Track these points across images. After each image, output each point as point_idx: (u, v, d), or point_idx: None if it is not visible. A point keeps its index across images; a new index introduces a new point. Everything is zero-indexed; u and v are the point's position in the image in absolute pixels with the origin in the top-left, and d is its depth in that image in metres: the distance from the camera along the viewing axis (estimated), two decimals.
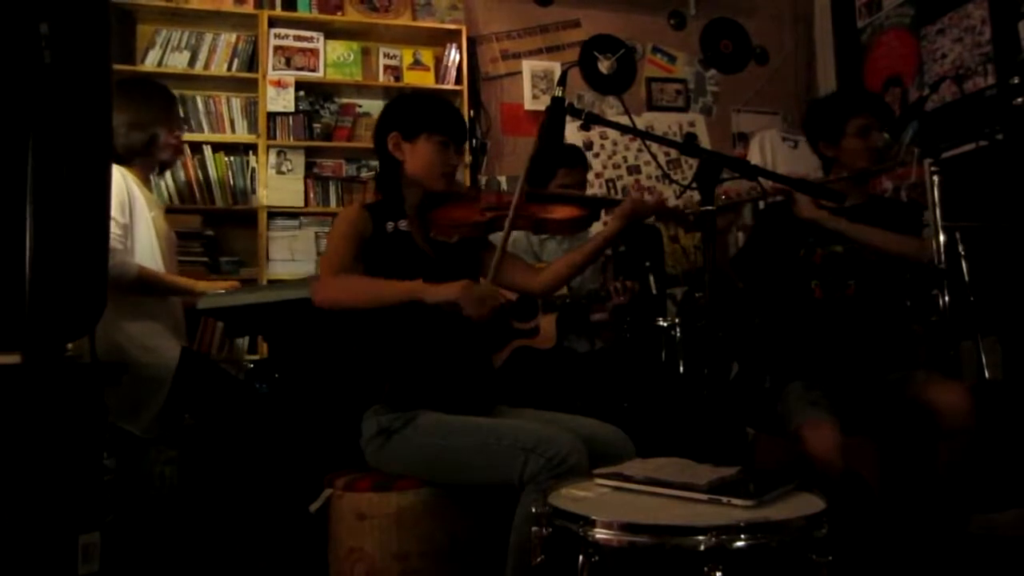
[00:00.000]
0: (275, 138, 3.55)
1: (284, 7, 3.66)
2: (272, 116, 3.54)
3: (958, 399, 1.84)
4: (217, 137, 3.52)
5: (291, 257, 3.52)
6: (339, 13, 3.72)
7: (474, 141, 3.81)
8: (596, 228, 2.72)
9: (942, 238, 2.63)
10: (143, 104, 2.33)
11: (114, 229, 2.15)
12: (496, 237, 1.92)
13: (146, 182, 2.40)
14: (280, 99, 3.54)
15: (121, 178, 2.23)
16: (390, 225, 1.79)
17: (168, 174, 3.29)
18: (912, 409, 1.91)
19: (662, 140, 1.74)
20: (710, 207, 1.48)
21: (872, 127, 2.14)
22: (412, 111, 1.85)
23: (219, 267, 3.43)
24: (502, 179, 3.96)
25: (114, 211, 2.16)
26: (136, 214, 2.26)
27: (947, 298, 2.61)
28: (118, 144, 2.28)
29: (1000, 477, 2.12)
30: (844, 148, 2.14)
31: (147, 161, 2.37)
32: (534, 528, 1.15)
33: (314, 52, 3.66)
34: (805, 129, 2.30)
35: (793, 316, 2.17)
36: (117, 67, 3.16)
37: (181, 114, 2.48)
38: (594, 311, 2.70)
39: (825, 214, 2.04)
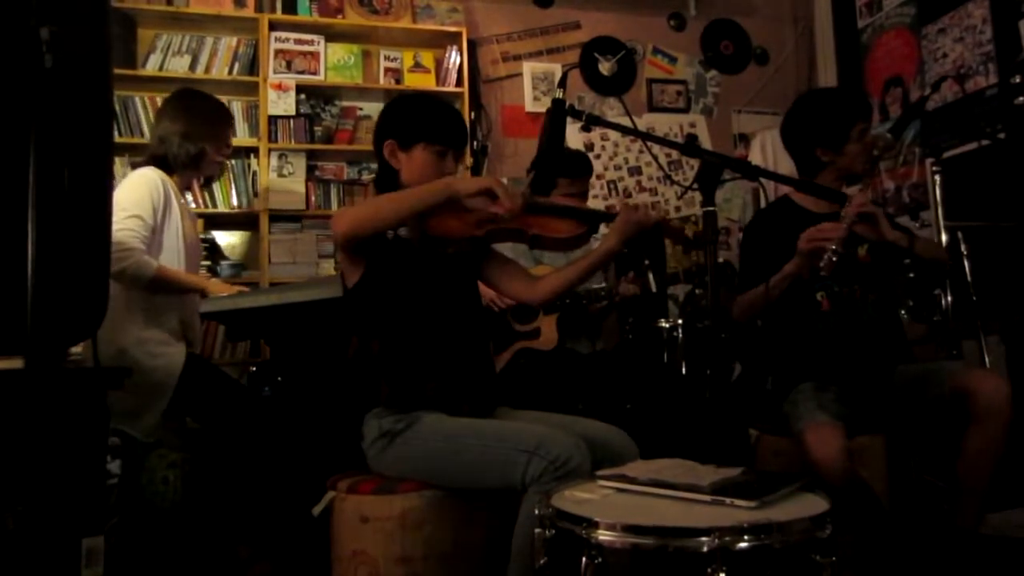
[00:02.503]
0: (276, 141, 3.55)
1: (284, 10, 3.67)
2: (273, 119, 3.55)
3: (996, 382, 1.85)
4: None
5: (292, 260, 3.52)
6: (339, 16, 3.73)
7: (475, 143, 3.81)
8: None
9: (944, 237, 2.63)
10: (198, 117, 2.37)
11: (140, 229, 2.18)
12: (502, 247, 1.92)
13: (183, 192, 2.43)
14: (281, 102, 3.55)
15: (161, 183, 2.27)
16: (390, 232, 1.75)
17: None
18: (941, 401, 1.90)
19: (663, 141, 1.74)
20: (712, 207, 1.48)
21: (868, 129, 2.13)
22: (409, 118, 1.80)
23: (220, 270, 3.44)
24: (503, 181, 3.96)
25: (144, 211, 2.21)
26: (169, 221, 2.30)
27: (949, 297, 2.62)
28: (168, 152, 2.33)
29: (1006, 477, 2.12)
30: (847, 153, 2.10)
31: (192, 173, 2.42)
32: (537, 530, 1.15)
33: (315, 55, 3.67)
34: (793, 134, 2.20)
35: (801, 327, 2.12)
36: (118, 71, 3.17)
37: (231, 133, 2.51)
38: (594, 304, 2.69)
39: (899, 234, 2.00)
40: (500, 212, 1.64)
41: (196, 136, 2.34)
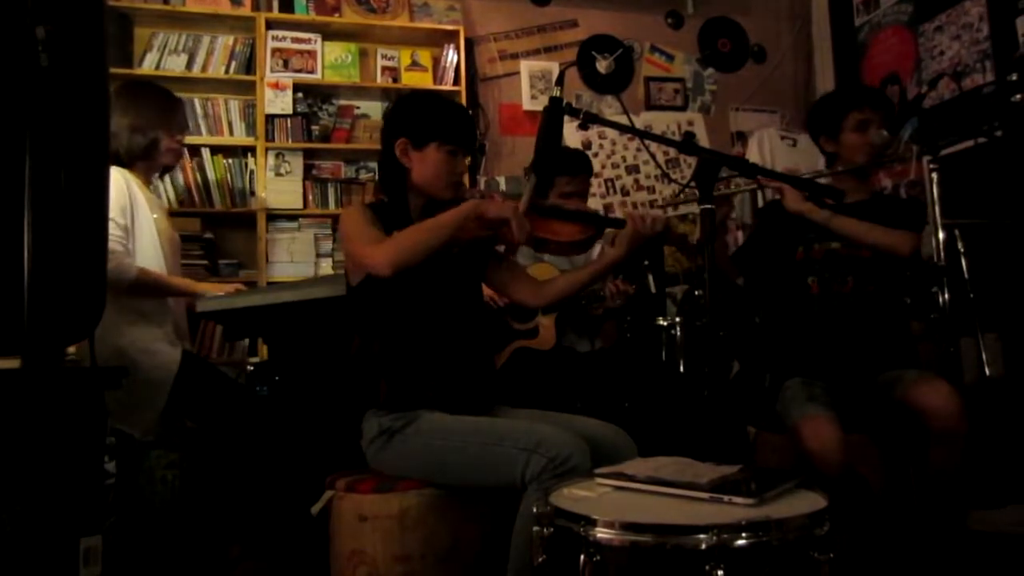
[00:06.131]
0: (273, 140, 3.55)
1: (281, 9, 3.66)
2: (270, 118, 3.54)
3: (945, 402, 1.81)
4: (215, 140, 3.52)
5: (290, 259, 3.53)
6: (336, 15, 3.72)
7: None
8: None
9: (941, 235, 2.63)
10: (145, 107, 2.33)
11: (114, 231, 2.15)
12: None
13: (147, 184, 2.40)
14: (278, 101, 3.54)
15: (123, 180, 2.24)
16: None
17: (167, 177, 3.29)
18: (903, 410, 1.90)
19: (661, 139, 1.74)
20: (709, 205, 1.48)
21: (871, 122, 2.13)
22: (423, 117, 1.78)
23: (218, 270, 3.44)
24: (500, 179, 3.96)
25: (114, 213, 2.16)
26: (138, 216, 2.26)
27: (947, 295, 2.62)
28: (120, 147, 2.29)
29: (1000, 474, 2.12)
30: (843, 143, 2.15)
31: (149, 164, 2.37)
32: (536, 528, 1.14)
33: (312, 54, 3.67)
34: (808, 125, 2.33)
35: (790, 312, 2.17)
36: (115, 70, 3.16)
37: (184, 118, 2.47)
38: (593, 308, 2.70)
39: (811, 206, 2.04)
40: (511, 240, 1.69)
41: (146, 126, 2.30)
